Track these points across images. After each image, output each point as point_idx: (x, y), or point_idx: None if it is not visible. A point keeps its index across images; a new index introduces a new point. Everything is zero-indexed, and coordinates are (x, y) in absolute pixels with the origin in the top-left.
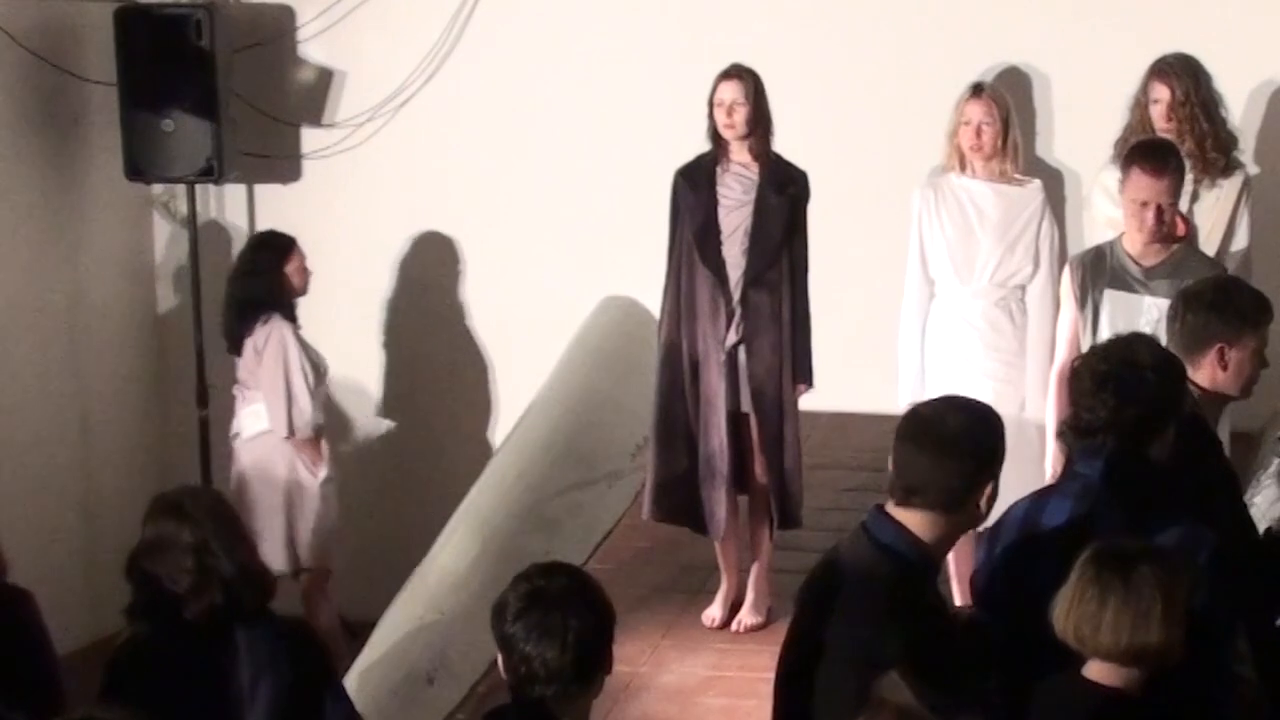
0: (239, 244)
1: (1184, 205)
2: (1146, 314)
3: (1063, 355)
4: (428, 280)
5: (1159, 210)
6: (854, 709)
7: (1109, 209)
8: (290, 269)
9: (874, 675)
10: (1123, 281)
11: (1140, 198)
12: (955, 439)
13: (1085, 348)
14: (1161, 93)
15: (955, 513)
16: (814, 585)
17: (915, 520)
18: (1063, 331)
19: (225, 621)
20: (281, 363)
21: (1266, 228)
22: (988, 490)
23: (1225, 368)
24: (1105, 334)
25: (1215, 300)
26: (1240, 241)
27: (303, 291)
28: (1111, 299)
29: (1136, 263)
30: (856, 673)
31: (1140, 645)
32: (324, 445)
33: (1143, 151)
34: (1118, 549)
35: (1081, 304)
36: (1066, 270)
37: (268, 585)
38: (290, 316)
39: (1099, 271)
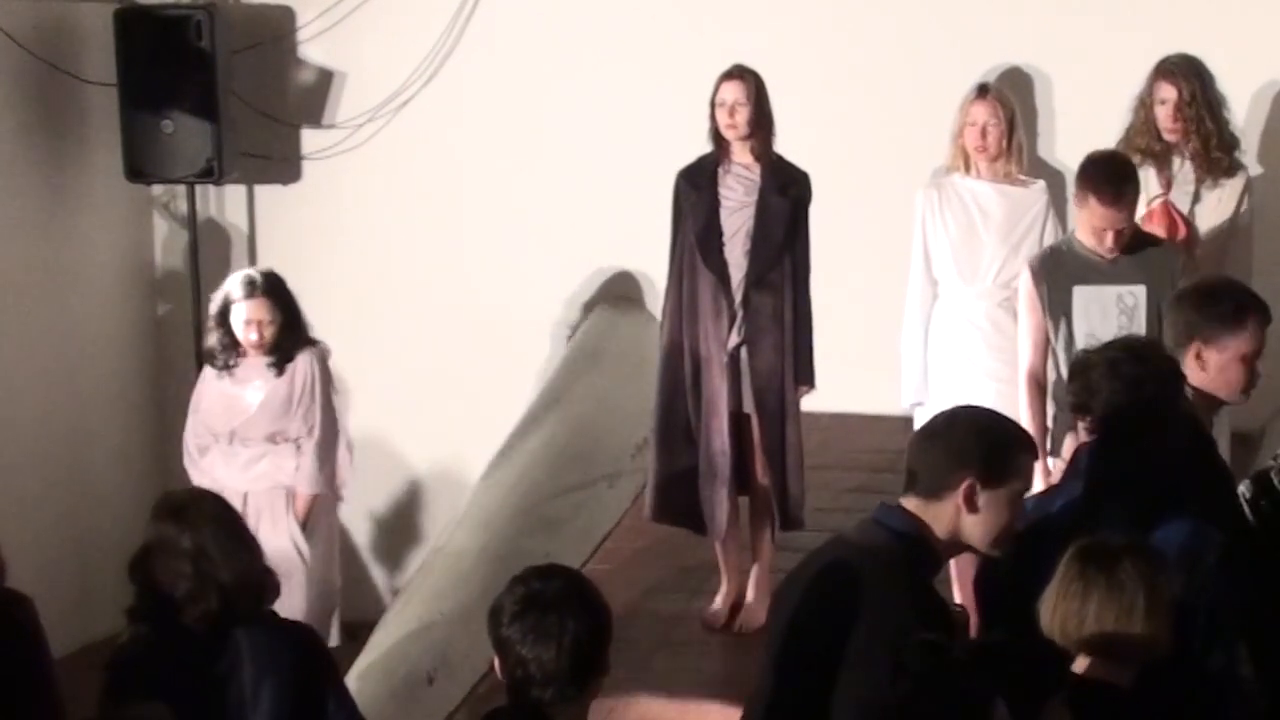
0: (239, 245)
1: (1186, 206)
2: (1121, 302)
3: (1029, 360)
4: (427, 281)
5: (1118, 234)
6: (887, 685)
7: None
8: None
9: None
10: (1089, 276)
11: (1099, 225)
12: (946, 428)
13: (1059, 347)
14: (1168, 93)
15: (934, 502)
16: (830, 574)
17: (914, 507)
18: (1026, 337)
19: (224, 625)
20: None
21: (1272, 228)
22: (963, 489)
23: (1204, 368)
24: (1080, 329)
25: (1196, 300)
26: (1242, 241)
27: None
28: (1081, 294)
29: (1098, 255)
30: (890, 650)
31: (1124, 638)
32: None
33: (1098, 179)
34: (1100, 544)
35: (1047, 307)
36: (1025, 276)
37: (269, 589)
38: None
39: (1060, 270)
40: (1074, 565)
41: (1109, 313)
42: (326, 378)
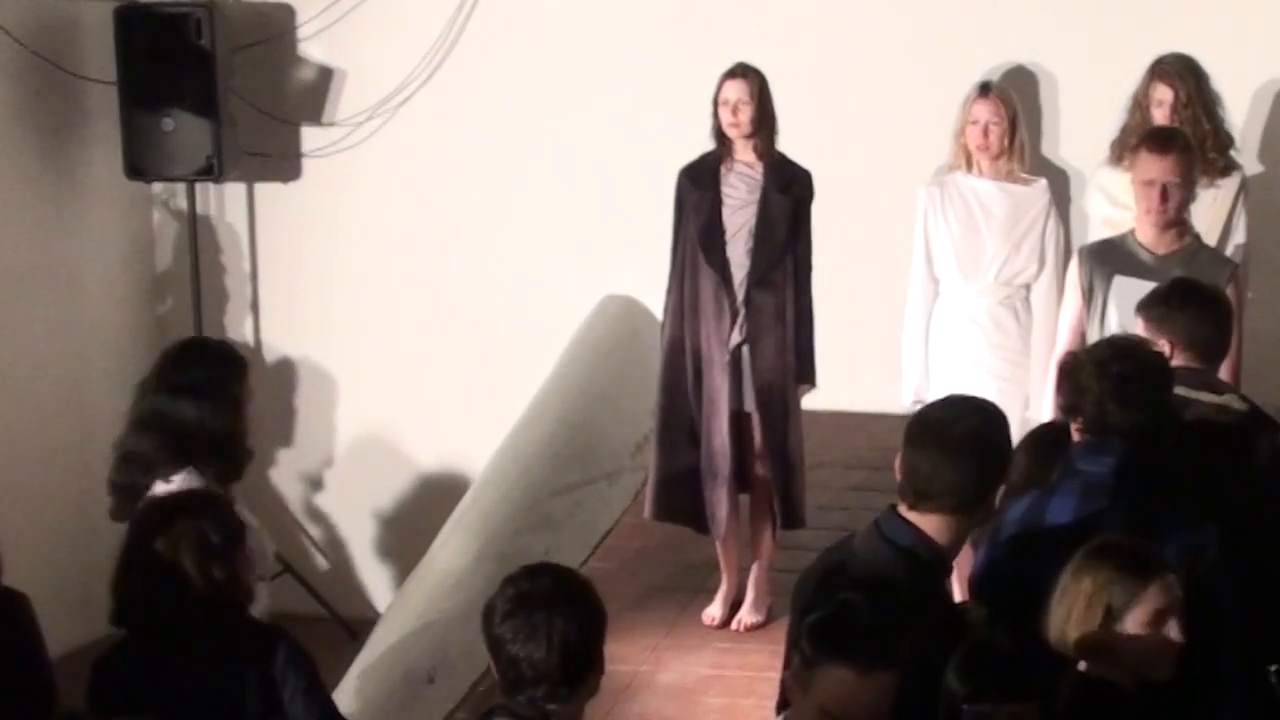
0: (239, 243)
1: None
2: None
3: (1064, 344)
4: (427, 280)
5: (1164, 189)
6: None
7: (1105, 209)
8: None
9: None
10: (1134, 269)
11: (1146, 177)
12: (965, 441)
13: (1092, 336)
14: (1165, 94)
15: (969, 514)
16: (828, 585)
17: (929, 523)
18: (1065, 320)
19: (207, 625)
20: None
21: (1272, 227)
22: (1001, 489)
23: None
24: (1113, 321)
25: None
26: (1238, 240)
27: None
28: (1121, 285)
29: (1149, 251)
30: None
31: (1101, 640)
32: None
33: (1150, 135)
34: (1094, 548)
35: (1087, 293)
36: (1074, 260)
37: (248, 590)
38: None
39: (1108, 260)
40: (1069, 570)
41: None
42: None
